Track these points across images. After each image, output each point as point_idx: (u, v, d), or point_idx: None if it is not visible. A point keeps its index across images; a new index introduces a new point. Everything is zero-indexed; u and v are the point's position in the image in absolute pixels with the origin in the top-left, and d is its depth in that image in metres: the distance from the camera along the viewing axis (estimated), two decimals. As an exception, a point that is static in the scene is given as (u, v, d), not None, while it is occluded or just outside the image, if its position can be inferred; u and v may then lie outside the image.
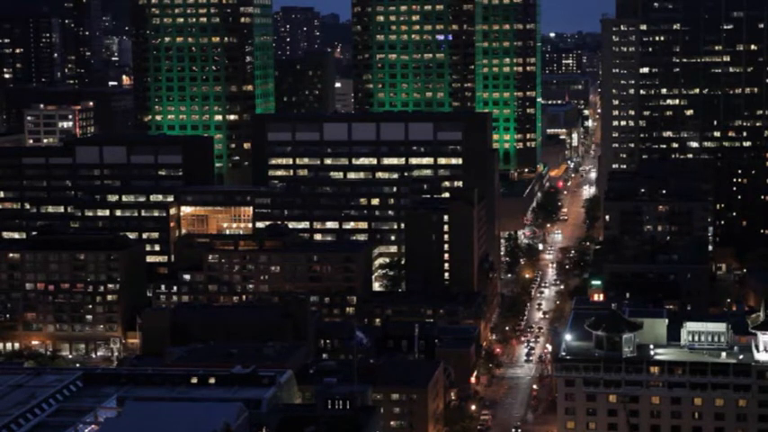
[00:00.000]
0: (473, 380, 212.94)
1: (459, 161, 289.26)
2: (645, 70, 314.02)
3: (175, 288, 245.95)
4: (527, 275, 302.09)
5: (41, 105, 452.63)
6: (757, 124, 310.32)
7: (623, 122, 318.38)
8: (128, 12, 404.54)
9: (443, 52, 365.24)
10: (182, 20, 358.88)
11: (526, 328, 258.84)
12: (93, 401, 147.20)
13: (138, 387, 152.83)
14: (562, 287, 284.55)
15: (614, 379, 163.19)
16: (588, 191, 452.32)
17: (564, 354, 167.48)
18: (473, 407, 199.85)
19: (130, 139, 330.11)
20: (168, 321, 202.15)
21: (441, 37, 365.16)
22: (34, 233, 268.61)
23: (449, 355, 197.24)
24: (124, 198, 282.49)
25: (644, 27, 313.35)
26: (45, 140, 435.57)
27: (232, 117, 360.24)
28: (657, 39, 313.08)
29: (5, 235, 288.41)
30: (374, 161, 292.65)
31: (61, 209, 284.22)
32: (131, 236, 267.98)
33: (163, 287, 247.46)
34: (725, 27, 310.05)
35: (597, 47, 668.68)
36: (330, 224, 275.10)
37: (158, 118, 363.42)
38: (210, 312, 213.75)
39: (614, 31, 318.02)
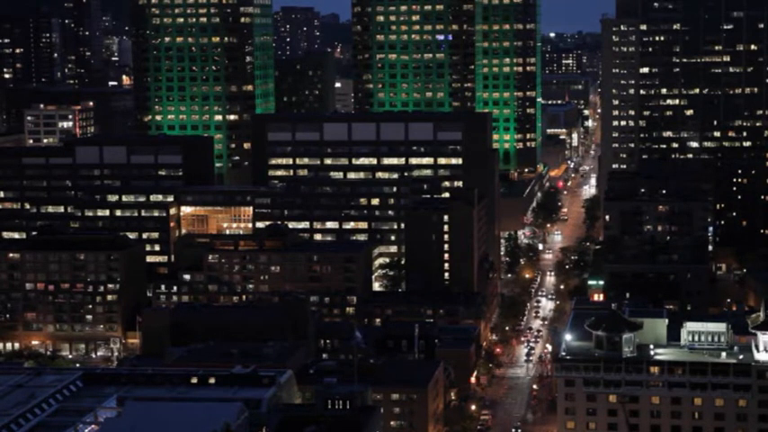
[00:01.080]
0: (473, 380, 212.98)
1: (459, 161, 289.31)
2: (645, 70, 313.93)
3: (175, 288, 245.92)
4: (527, 275, 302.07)
5: (41, 105, 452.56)
6: (757, 124, 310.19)
7: (623, 122, 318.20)
8: (128, 12, 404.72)
9: (443, 52, 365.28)
10: (182, 20, 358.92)
11: (526, 328, 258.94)
12: (93, 401, 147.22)
13: (138, 387, 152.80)
14: (562, 287, 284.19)
15: (614, 379, 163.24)
16: (588, 191, 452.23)
17: (564, 354, 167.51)
18: (473, 407, 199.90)
19: (130, 139, 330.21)
20: (168, 321, 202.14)
21: (441, 37, 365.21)
22: (34, 233, 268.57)
23: (449, 355, 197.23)
24: (124, 198, 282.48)
25: (644, 27, 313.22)
26: (45, 140, 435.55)
27: (232, 117, 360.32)
28: (657, 39, 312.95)
29: (5, 235, 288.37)
30: (374, 161, 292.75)
31: (61, 209, 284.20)
32: (131, 236, 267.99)
33: (163, 287, 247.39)
34: (725, 27, 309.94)
35: (597, 47, 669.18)
36: (330, 224, 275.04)
37: (158, 118, 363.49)
38: (210, 312, 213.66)
39: (614, 31, 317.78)
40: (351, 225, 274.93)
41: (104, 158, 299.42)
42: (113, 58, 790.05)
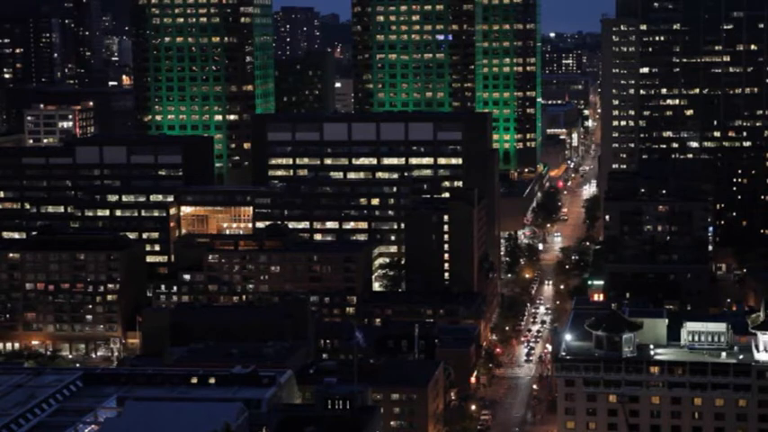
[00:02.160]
0: (473, 380, 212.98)
1: (459, 161, 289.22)
2: (645, 70, 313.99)
3: (175, 288, 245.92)
4: (527, 275, 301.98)
5: (41, 105, 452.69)
6: (757, 124, 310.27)
7: (623, 122, 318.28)
8: (128, 12, 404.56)
9: (443, 52, 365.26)
10: (182, 20, 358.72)
11: (526, 329, 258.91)
12: (93, 401, 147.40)
13: (138, 387, 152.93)
14: (562, 287, 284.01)
15: (614, 379, 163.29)
16: (588, 191, 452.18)
17: (564, 354, 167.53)
18: (473, 407, 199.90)
19: (130, 139, 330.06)
20: (168, 321, 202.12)
21: (441, 37, 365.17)
22: (34, 233, 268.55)
23: (449, 355, 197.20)
24: (124, 198, 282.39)
25: (644, 27, 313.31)
26: (45, 140, 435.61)
27: (232, 117, 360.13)
28: (657, 39, 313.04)
29: (5, 235, 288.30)
30: (374, 161, 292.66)
31: (61, 209, 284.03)
32: (131, 236, 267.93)
33: (163, 287, 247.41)
34: (725, 27, 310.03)
35: (597, 47, 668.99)
36: (330, 224, 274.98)
37: (158, 118, 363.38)
38: (210, 312, 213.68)
39: (614, 31, 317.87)
40: (351, 225, 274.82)
41: (104, 158, 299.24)
42: (113, 58, 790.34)
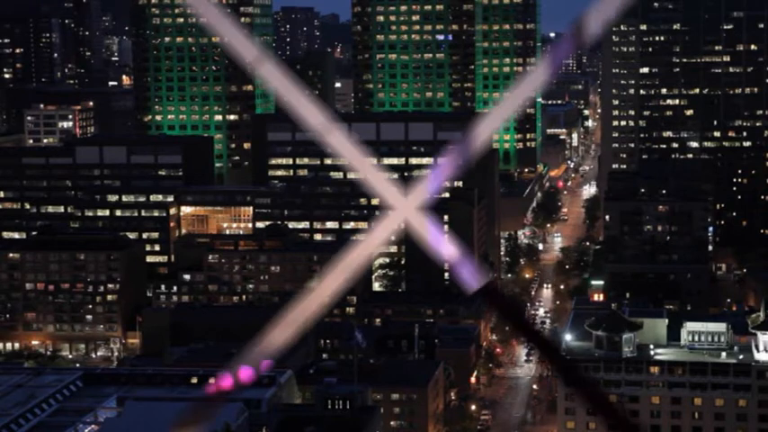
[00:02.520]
0: (473, 380, 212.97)
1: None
2: (645, 70, 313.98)
3: (175, 288, 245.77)
4: (527, 275, 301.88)
5: (41, 105, 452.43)
6: (757, 124, 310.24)
7: (623, 122, 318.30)
8: (128, 12, 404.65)
9: (443, 52, 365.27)
10: (182, 20, 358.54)
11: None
12: (93, 401, 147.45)
13: (138, 387, 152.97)
14: (562, 287, 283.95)
15: (614, 379, 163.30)
16: (588, 191, 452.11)
17: (564, 354, 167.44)
18: (473, 407, 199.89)
19: (130, 139, 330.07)
20: (168, 321, 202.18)
21: (441, 37, 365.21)
22: (34, 233, 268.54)
23: (449, 355, 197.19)
24: (124, 198, 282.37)
25: (644, 27, 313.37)
26: (45, 140, 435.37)
27: (232, 117, 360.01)
28: (657, 39, 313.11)
29: (5, 235, 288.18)
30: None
31: (61, 209, 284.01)
32: (131, 236, 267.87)
33: (163, 287, 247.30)
34: (725, 27, 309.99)
35: (597, 47, 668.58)
36: (330, 224, 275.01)
37: (158, 118, 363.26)
38: (210, 312, 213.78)
39: (614, 31, 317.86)
40: (351, 225, 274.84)
41: (104, 158, 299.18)
42: (113, 58, 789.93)
